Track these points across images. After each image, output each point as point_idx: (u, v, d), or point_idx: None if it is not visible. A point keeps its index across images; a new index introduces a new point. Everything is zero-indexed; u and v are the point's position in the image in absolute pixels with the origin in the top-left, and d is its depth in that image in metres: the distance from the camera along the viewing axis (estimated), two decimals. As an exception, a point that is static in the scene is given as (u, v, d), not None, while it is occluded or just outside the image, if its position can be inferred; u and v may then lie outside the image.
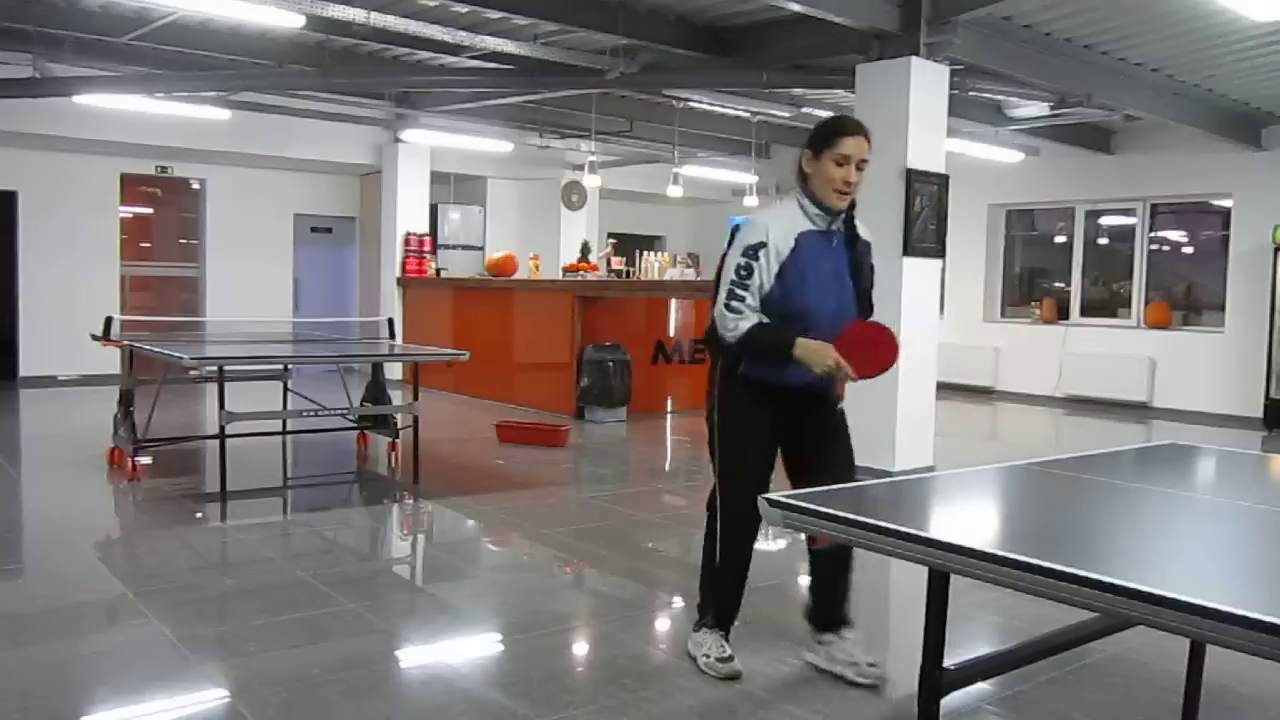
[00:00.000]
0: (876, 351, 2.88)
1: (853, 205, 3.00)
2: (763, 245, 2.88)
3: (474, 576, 4.64)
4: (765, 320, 2.89)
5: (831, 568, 3.21)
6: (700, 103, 10.23)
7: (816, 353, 2.82)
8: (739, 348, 2.91)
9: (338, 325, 10.32)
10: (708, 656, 3.14)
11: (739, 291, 2.88)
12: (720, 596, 3.19)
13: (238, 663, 3.23)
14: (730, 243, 2.96)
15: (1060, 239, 12.00)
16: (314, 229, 12.78)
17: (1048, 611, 1.98)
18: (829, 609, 3.20)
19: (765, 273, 2.88)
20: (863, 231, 3.10)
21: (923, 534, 1.77)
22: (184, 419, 7.85)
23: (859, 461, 4.29)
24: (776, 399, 3.02)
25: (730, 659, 3.12)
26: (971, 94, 8.34)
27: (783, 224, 2.94)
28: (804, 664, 3.24)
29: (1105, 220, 11.72)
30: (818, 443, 3.11)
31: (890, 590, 4.46)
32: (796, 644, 3.37)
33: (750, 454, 3.06)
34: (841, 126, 2.94)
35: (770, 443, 3.07)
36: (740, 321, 2.88)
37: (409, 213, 11.83)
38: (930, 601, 1.90)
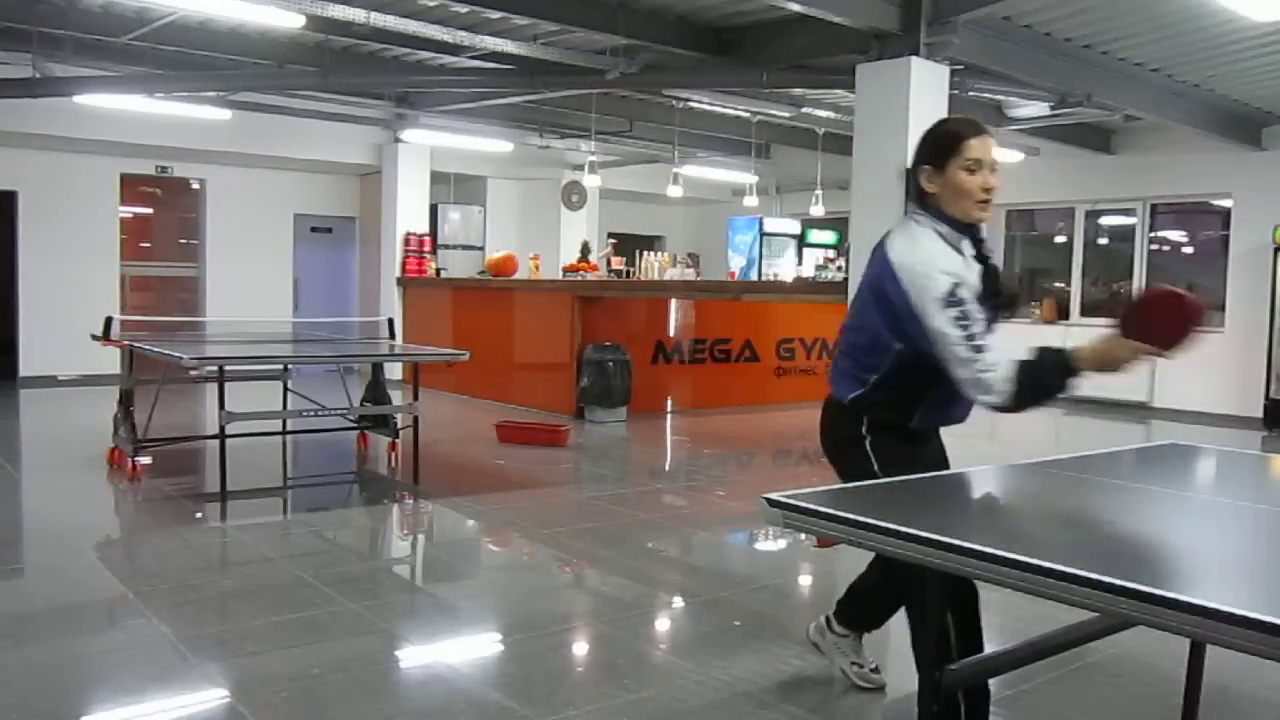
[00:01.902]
0: (1179, 319, 2.30)
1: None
2: (958, 284, 2.37)
3: (474, 576, 4.64)
4: (1018, 358, 2.34)
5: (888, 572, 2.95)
6: (700, 103, 10.23)
7: (1111, 353, 2.29)
8: (1021, 392, 2.30)
9: (338, 325, 10.32)
10: (859, 667, 3.11)
11: (979, 341, 2.33)
12: (879, 617, 3.13)
13: (238, 663, 3.23)
14: (887, 279, 2.45)
15: (1060, 239, 12.01)
16: (314, 229, 12.78)
17: (1048, 611, 1.98)
18: (874, 618, 3.14)
19: (974, 309, 2.37)
20: (990, 253, 2.66)
21: (923, 534, 1.77)
22: (184, 419, 7.85)
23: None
24: (930, 440, 2.75)
25: (878, 669, 3.13)
26: (971, 94, 8.34)
27: (945, 255, 2.46)
28: (809, 645, 3.23)
29: (1105, 220, 11.72)
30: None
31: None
32: (797, 644, 3.37)
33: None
34: (962, 129, 2.50)
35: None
36: (997, 369, 2.31)
37: (409, 213, 11.83)
38: (930, 601, 1.90)
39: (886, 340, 2.51)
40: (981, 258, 2.57)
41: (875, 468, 2.60)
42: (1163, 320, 2.30)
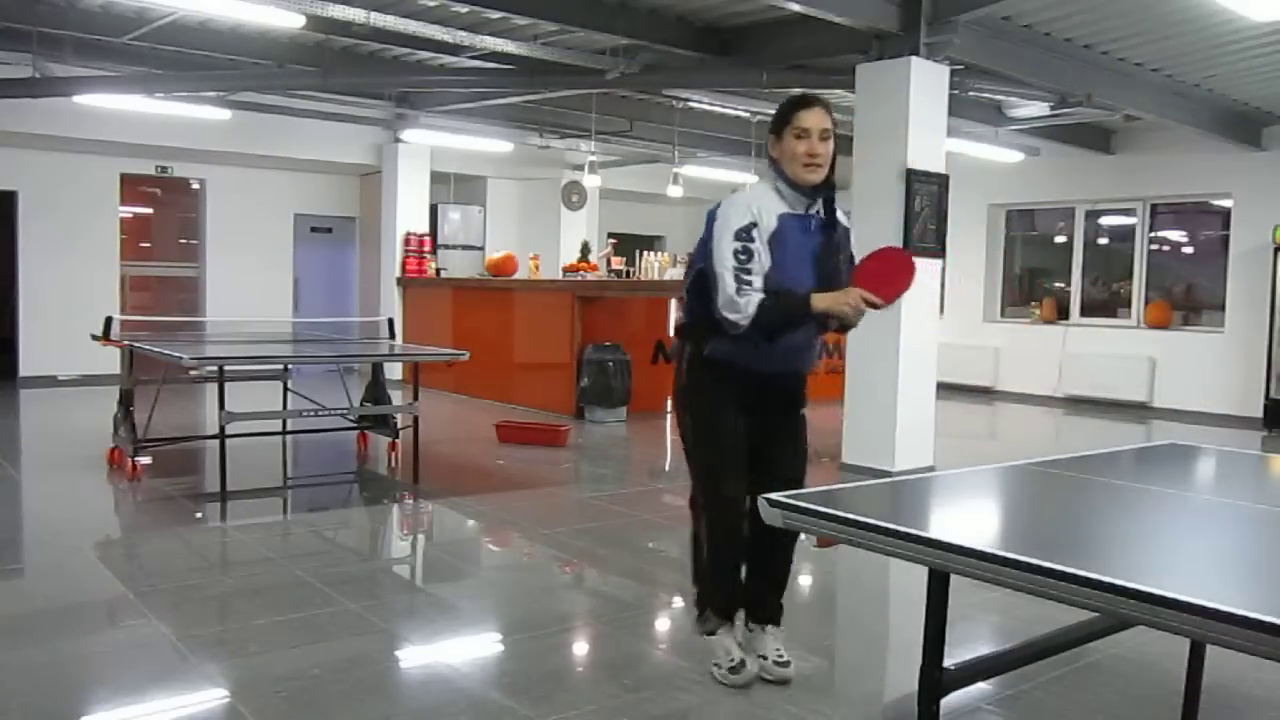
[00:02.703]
0: (897, 272, 2.88)
1: (832, 189, 2.97)
2: (754, 225, 2.85)
3: (474, 576, 4.64)
4: (759, 301, 2.83)
5: (775, 564, 3.16)
6: (700, 103, 10.23)
7: (839, 298, 2.80)
8: (755, 324, 2.81)
9: (338, 325, 10.32)
10: (718, 667, 3.09)
11: (745, 276, 2.81)
12: (719, 595, 3.14)
13: (238, 663, 3.23)
14: (709, 229, 2.93)
15: (1060, 239, 12.00)
16: (314, 229, 12.78)
17: (1048, 611, 1.98)
18: (766, 603, 3.17)
19: (763, 252, 2.85)
20: (843, 218, 3.06)
21: (923, 534, 1.77)
22: (184, 419, 7.85)
23: (860, 461, 4.34)
24: (749, 391, 3.01)
25: (739, 666, 3.06)
26: (971, 94, 8.34)
27: (765, 204, 2.92)
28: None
29: (1105, 220, 11.72)
30: (777, 445, 3.09)
31: (890, 590, 4.46)
32: (797, 644, 3.37)
33: (729, 446, 3.02)
34: (796, 101, 2.95)
35: (745, 435, 3.03)
36: (749, 302, 2.80)
37: (409, 213, 11.83)
38: (930, 601, 1.90)
39: (697, 265, 2.99)
40: (831, 222, 2.99)
41: (686, 403, 3.10)
42: (890, 276, 2.86)
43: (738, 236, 2.84)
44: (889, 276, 2.86)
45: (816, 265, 2.95)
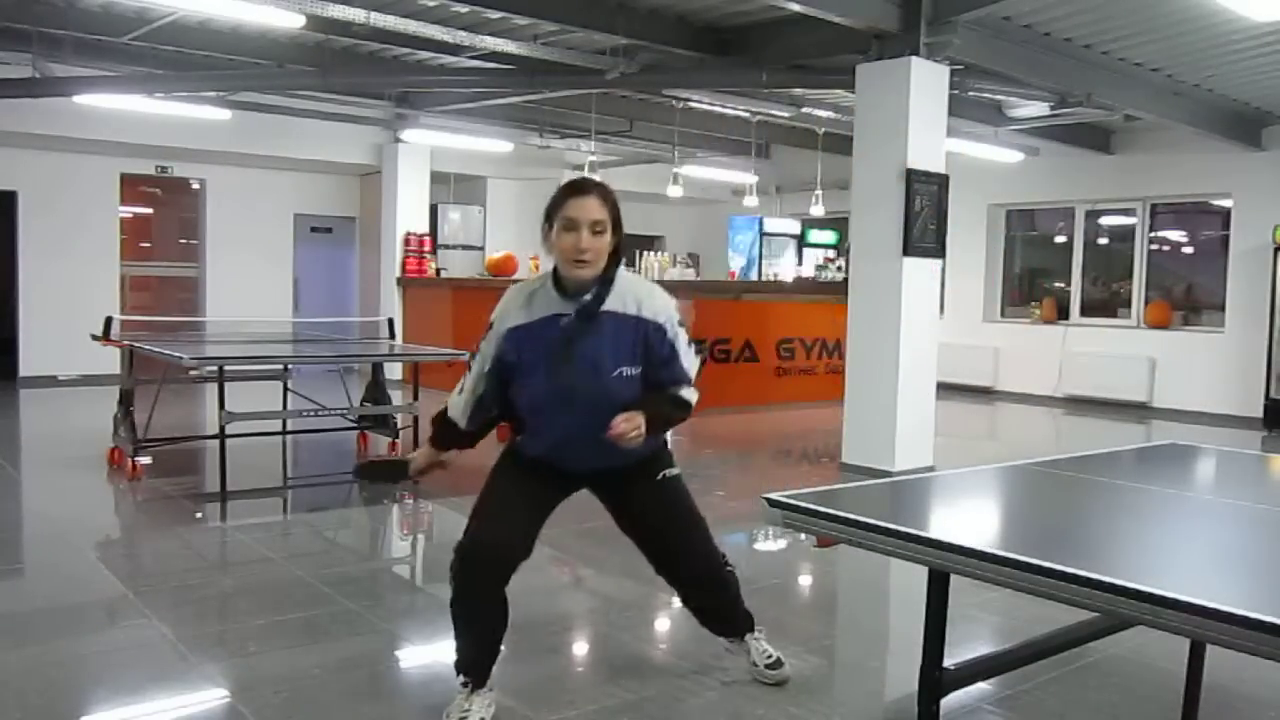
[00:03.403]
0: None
1: (609, 282, 2.70)
2: (490, 326, 2.85)
3: (474, 576, 4.64)
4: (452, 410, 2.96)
5: (700, 596, 3.13)
6: (700, 103, 10.23)
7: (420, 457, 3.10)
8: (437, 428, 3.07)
9: (338, 325, 10.31)
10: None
11: (467, 375, 2.91)
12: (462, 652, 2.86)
13: (238, 663, 3.23)
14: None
15: (1060, 239, 12.00)
16: (314, 229, 12.78)
17: (1048, 611, 1.98)
18: (721, 626, 3.16)
19: (485, 357, 2.86)
20: (637, 308, 2.73)
21: (923, 534, 1.77)
22: (184, 419, 7.84)
23: (860, 461, 4.32)
24: (560, 473, 2.96)
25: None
26: (971, 94, 8.34)
27: (514, 304, 2.80)
28: (738, 659, 3.20)
29: (1105, 220, 11.72)
30: (655, 519, 3.03)
31: (890, 590, 4.46)
32: (797, 644, 3.37)
33: (507, 497, 2.90)
34: (567, 189, 2.70)
35: (533, 500, 2.92)
36: (454, 402, 2.96)
37: (409, 213, 11.83)
38: (930, 601, 1.90)
39: None
40: (592, 314, 2.70)
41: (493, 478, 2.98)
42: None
43: (483, 336, 2.87)
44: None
45: (549, 361, 2.72)
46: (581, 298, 2.69)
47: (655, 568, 3.07)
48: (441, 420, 3.00)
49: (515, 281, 10.93)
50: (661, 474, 2.97)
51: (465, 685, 2.80)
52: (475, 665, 2.81)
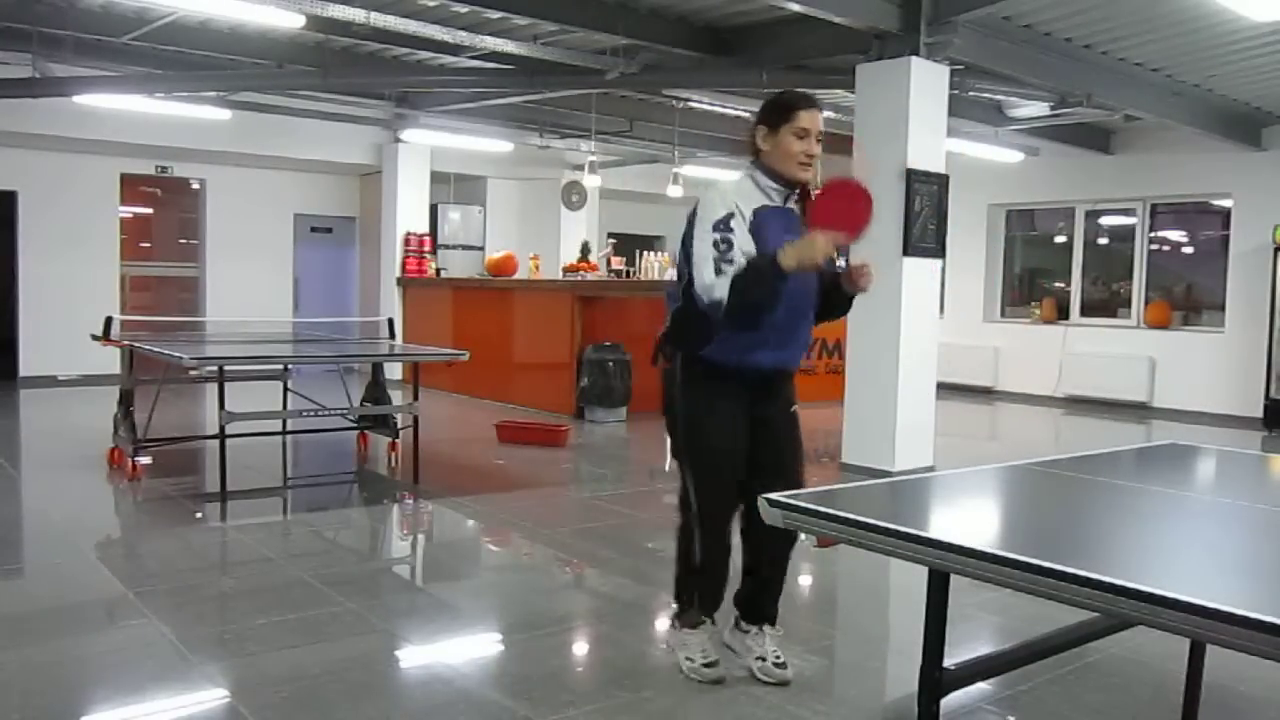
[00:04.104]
0: (852, 204, 2.79)
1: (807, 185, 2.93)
2: (731, 216, 2.81)
3: (474, 576, 4.64)
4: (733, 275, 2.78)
5: (771, 566, 3.16)
6: (700, 103, 10.23)
7: (805, 247, 2.71)
8: (731, 303, 2.74)
9: (338, 325, 10.32)
10: (691, 661, 3.10)
11: (723, 264, 2.75)
12: (704, 596, 3.12)
13: (238, 663, 3.23)
14: (690, 225, 2.88)
15: (1060, 239, 12.00)
16: (314, 229, 12.78)
17: (1048, 611, 1.98)
18: (761, 604, 3.17)
19: (743, 242, 2.79)
20: None
21: (923, 534, 1.77)
22: (184, 419, 7.85)
23: (860, 461, 4.30)
24: (744, 389, 2.97)
25: (714, 663, 3.09)
26: (971, 94, 8.34)
27: (743, 197, 2.88)
28: (725, 646, 3.21)
29: (1105, 220, 11.72)
30: (773, 445, 3.05)
31: (890, 590, 4.46)
32: (797, 644, 3.37)
33: (724, 446, 2.98)
34: (797, 100, 2.92)
35: (741, 435, 2.99)
36: (723, 281, 2.75)
37: (409, 213, 11.83)
38: (930, 601, 1.90)
39: (681, 269, 2.93)
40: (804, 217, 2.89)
41: (677, 406, 3.00)
42: (848, 211, 2.77)
43: (715, 228, 2.80)
44: (847, 211, 2.77)
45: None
46: (792, 195, 2.92)
47: (752, 503, 2.91)
48: (685, 321, 2.90)
49: (515, 281, 10.79)
50: (793, 406, 3.13)
51: (695, 630, 3.11)
52: (710, 612, 3.13)
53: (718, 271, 2.75)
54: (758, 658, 3.10)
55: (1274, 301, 9.52)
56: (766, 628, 3.15)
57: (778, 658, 3.10)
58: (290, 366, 7.38)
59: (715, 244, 2.77)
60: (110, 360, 7.21)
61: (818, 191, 2.86)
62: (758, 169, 2.93)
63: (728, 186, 2.94)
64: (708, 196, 2.89)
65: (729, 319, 2.78)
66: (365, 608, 3.83)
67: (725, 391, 2.97)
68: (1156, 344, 10.66)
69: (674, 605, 3.22)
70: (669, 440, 3.12)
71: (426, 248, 11.89)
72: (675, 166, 11.83)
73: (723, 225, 2.79)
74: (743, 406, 2.99)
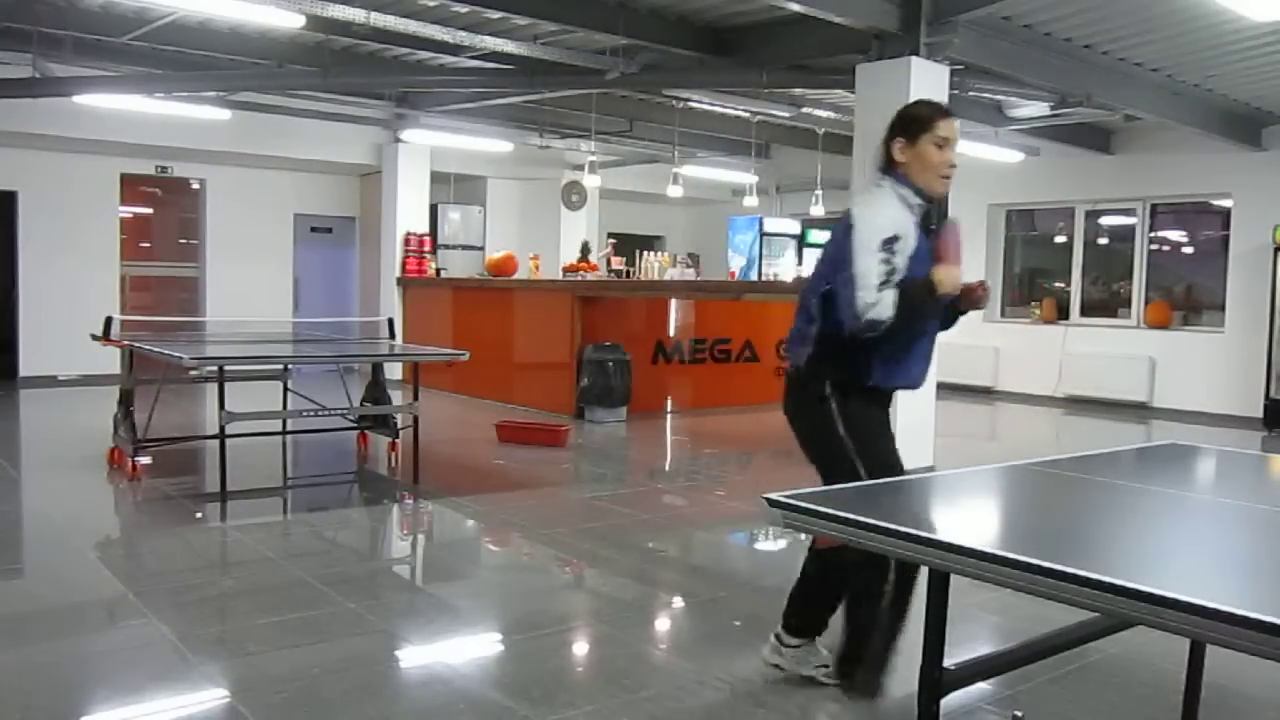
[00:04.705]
0: (957, 246, 2.87)
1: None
2: (898, 238, 2.75)
3: (474, 576, 4.64)
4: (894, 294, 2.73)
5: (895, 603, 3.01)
6: (700, 103, 10.23)
7: (946, 276, 2.74)
8: (898, 318, 2.70)
9: (338, 325, 10.32)
10: (826, 667, 3.06)
11: (886, 283, 2.71)
12: (823, 619, 3.07)
13: (238, 663, 3.23)
14: (844, 241, 2.78)
15: (1060, 239, 12.00)
16: (314, 229, 12.78)
17: (1048, 611, 1.98)
18: (818, 621, 3.11)
19: (904, 263, 2.75)
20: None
21: (923, 534, 1.77)
22: (184, 419, 7.85)
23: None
24: (887, 406, 2.96)
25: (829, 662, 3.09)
26: (971, 94, 8.34)
27: (901, 215, 2.83)
28: (770, 670, 3.14)
29: (1105, 220, 11.72)
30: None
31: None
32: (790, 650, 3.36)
33: (898, 465, 2.89)
34: (935, 110, 2.88)
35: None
36: (884, 300, 2.69)
37: (409, 213, 11.83)
38: (930, 601, 1.90)
39: (817, 285, 2.85)
40: (926, 229, 2.90)
41: (839, 428, 2.85)
42: (951, 249, 2.83)
43: (883, 248, 2.72)
44: (953, 251, 2.85)
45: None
46: (921, 207, 2.88)
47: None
48: (837, 345, 2.80)
49: (515, 281, 10.79)
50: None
51: (809, 644, 3.08)
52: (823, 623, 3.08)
53: (880, 289, 2.69)
54: (820, 667, 3.08)
55: (1274, 301, 9.52)
56: (817, 639, 3.13)
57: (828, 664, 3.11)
58: (290, 366, 7.38)
59: (881, 262, 2.71)
60: (110, 360, 7.21)
61: (948, 225, 2.90)
62: (898, 182, 2.86)
63: (883, 203, 2.85)
64: (870, 214, 2.81)
65: (892, 332, 2.73)
66: (365, 608, 3.83)
67: (881, 410, 2.94)
68: (1156, 344, 10.66)
69: (791, 629, 3.11)
70: (818, 469, 2.94)
71: (426, 248, 11.89)
72: (675, 166, 11.83)
73: (888, 246, 2.73)
74: (889, 421, 2.99)
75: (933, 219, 2.91)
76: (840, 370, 2.86)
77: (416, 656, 3.43)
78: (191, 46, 8.38)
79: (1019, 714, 2.74)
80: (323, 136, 11.32)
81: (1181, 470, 2.81)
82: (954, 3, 6.34)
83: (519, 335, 10.14)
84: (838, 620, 3.08)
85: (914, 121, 2.87)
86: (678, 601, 4.16)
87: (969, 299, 2.91)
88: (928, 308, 2.80)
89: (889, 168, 2.89)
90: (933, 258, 2.82)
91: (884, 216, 2.79)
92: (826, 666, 3.09)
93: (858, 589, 2.95)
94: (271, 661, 3.26)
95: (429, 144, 11.59)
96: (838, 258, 2.79)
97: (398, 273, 11.75)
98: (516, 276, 11.10)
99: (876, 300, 2.68)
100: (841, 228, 2.83)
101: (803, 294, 2.96)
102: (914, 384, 2.99)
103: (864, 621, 2.96)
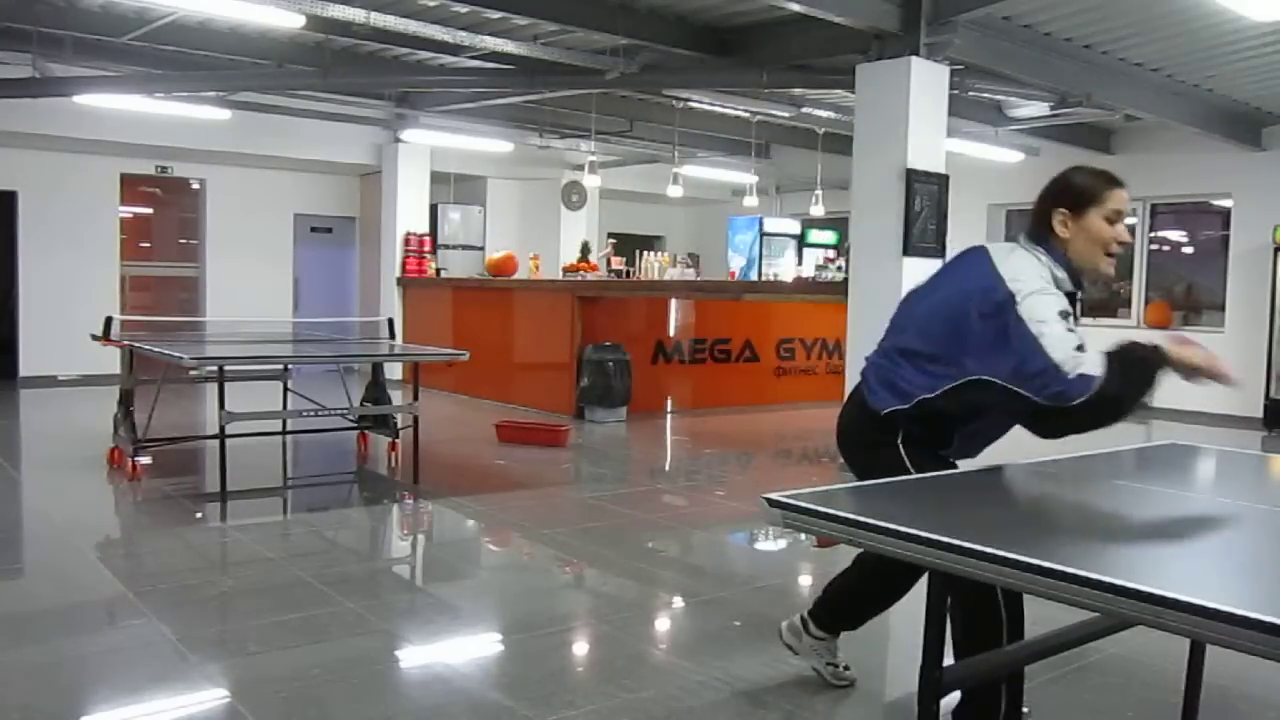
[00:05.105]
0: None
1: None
2: (1068, 313, 2.34)
3: (474, 576, 4.64)
4: (1102, 352, 2.28)
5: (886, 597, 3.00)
6: (700, 103, 10.22)
7: (1184, 352, 2.39)
8: (1112, 388, 2.22)
9: (338, 325, 10.32)
10: (835, 666, 3.08)
11: (1080, 342, 2.26)
12: (862, 618, 3.07)
13: (238, 663, 3.23)
14: (985, 284, 2.39)
15: (1060, 239, 11.99)
16: (314, 229, 12.78)
17: (1048, 611, 1.98)
18: (855, 618, 3.10)
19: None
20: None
21: (923, 534, 1.77)
22: (184, 419, 7.85)
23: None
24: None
25: (849, 668, 3.10)
26: (971, 94, 8.34)
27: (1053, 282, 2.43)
28: (782, 644, 3.18)
29: (1105, 220, 11.71)
30: None
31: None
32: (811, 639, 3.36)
33: None
34: (1110, 180, 2.47)
35: None
36: (1089, 354, 2.23)
37: (409, 213, 11.83)
38: (930, 601, 1.90)
39: (960, 361, 2.42)
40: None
41: (909, 469, 2.55)
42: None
43: (1061, 314, 2.29)
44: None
45: None
46: (1070, 287, 2.47)
47: None
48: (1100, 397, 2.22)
49: (515, 281, 10.79)
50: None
51: (830, 637, 3.07)
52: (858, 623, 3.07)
53: (1080, 349, 2.23)
54: (829, 664, 3.09)
55: (1274, 301, 9.52)
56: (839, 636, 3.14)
57: (845, 665, 3.11)
58: (290, 366, 7.38)
59: (1061, 315, 2.28)
60: (110, 360, 7.21)
61: (1151, 314, 2.62)
62: (1054, 259, 2.45)
63: (1045, 269, 2.43)
64: (1033, 272, 2.39)
65: (1099, 403, 2.21)
66: (365, 608, 3.83)
67: (947, 465, 2.69)
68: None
69: (821, 619, 3.08)
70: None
71: (426, 248, 11.89)
72: (675, 166, 11.82)
73: (1065, 315, 2.31)
74: None
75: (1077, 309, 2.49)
76: (921, 431, 2.60)
77: (416, 656, 3.43)
78: (191, 46, 8.38)
79: (1026, 710, 2.74)
80: (323, 136, 11.32)
81: (1181, 470, 2.81)
82: (954, 3, 6.34)
83: (519, 335, 10.14)
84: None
85: (1084, 192, 2.46)
86: (678, 601, 4.15)
87: (1195, 375, 2.52)
88: (1150, 376, 2.33)
89: (1043, 239, 2.49)
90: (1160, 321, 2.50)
91: (1047, 282, 2.37)
92: (836, 666, 3.09)
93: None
94: (271, 661, 3.26)
95: (429, 144, 11.59)
96: (985, 333, 2.35)
97: (398, 273, 11.75)
98: (516, 276, 11.10)
99: (1081, 357, 2.22)
100: (983, 280, 2.39)
101: (907, 336, 2.62)
102: (972, 456, 2.81)
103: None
